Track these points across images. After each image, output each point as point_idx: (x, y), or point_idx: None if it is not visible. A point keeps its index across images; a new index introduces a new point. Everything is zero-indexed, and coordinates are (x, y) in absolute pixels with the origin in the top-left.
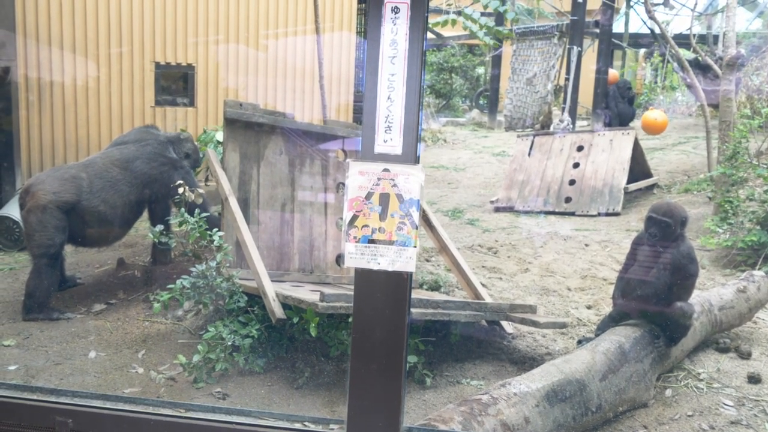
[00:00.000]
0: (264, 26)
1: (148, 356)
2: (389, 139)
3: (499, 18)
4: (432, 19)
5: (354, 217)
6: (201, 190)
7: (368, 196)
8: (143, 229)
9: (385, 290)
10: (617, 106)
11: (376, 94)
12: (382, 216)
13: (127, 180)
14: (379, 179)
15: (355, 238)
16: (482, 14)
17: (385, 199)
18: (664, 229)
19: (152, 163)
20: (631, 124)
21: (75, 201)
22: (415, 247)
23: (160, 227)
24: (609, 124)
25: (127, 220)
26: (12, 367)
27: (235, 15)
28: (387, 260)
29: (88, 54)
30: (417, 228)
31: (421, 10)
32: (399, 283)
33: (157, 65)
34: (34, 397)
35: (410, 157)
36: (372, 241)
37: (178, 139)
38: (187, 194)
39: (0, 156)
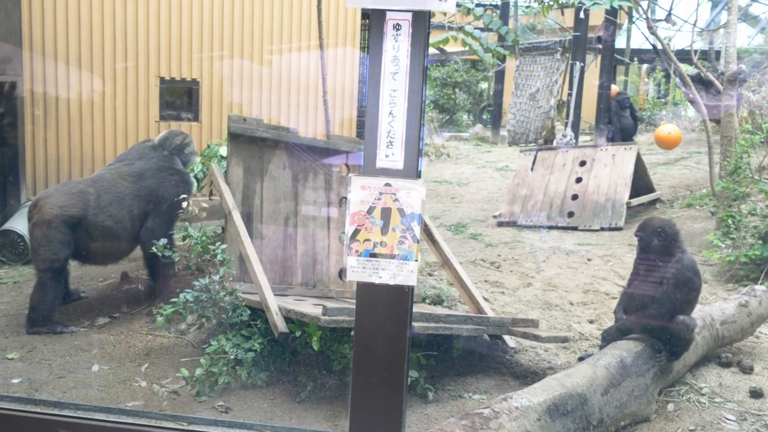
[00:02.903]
0: (268, 42)
1: (151, 370)
2: (391, 154)
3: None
4: (433, 38)
5: (356, 231)
6: (205, 204)
7: (370, 210)
8: None
9: (386, 304)
10: (620, 120)
11: (378, 109)
12: (384, 230)
13: (134, 194)
14: (380, 194)
15: (356, 252)
16: (483, 30)
17: (386, 213)
18: (641, 242)
19: (161, 173)
20: (636, 138)
21: (81, 216)
22: (416, 261)
23: (164, 241)
24: (612, 139)
25: (134, 235)
26: (15, 380)
27: (240, 30)
28: (388, 274)
29: (94, 69)
30: (418, 242)
31: (422, 27)
32: (400, 296)
33: (162, 80)
34: (38, 410)
35: (412, 171)
36: (374, 255)
37: (172, 142)
38: (191, 209)
39: (5, 170)
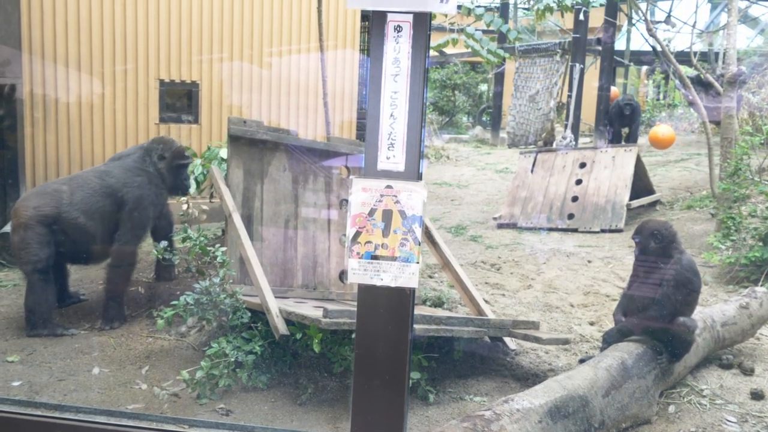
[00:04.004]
0: (268, 44)
1: (151, 372)
2: (392, 156)
3: (502, 35)
4: (434, 40)
5: (357, 234)
6: (205, 207)
7: (371, 212)
8: (147, 245)
9: (388, 306)
10: (621, 124)
11: (379, 111)
12: (385, 232)
13: (101, 191)
14: (382, 196)
15: (358, 254)
16: (484, 32)
17: (387, 215)
18: (638, 245)
19: (126, 173)
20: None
21: (55, 214)
22: (417, 263)
23: (164, 243)
24: (612, 142)
25: (109, 232)
26: (16, 383)
27: (240, 33)
28: (390, 276)
29: (93, 71)
30: (419, 244)
31: (423, 29)
32: (402, 298)
33: (162, 82)
34: (38, 413)
35: (413, 173)
36: (375, 257)
37: (153, 146)
38: (191, 211)
39: (5, 173)
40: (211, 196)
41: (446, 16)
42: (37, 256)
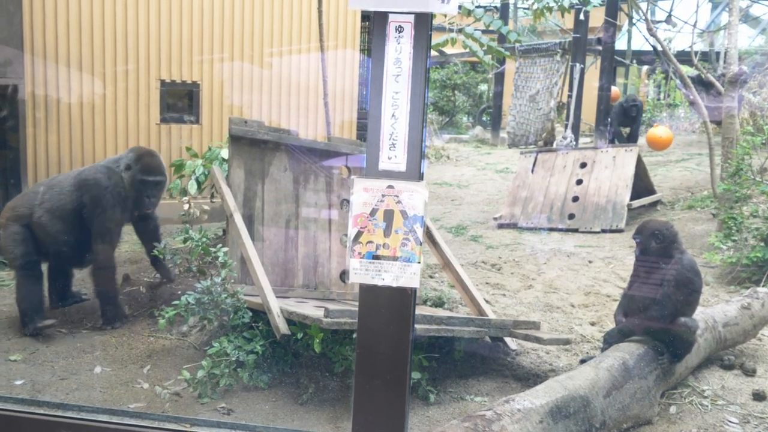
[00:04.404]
0: (268, 44)
1: (153, 372)
2: (393, 156)
3: (502, 35)
4: (433, 40)
5: (358, 234)
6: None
7: (373, 212)
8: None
9: (389, 306)
10: (623, 124)
11: (380, 112)
12: (387, 232)
13: (69, 191)
14: (383, 196)
15: (359, 254)
16: (483, 32)
17: (389, 215)
18: (639, 245)
19: (91, 174)
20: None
21: (28, 214)
22: (419, 263)
23: (164, 242)
24: (612, 142)
25: (80, 233)
26: (18, 382)
27: (240, 33)
28: (391, 276)
29: (95, 72)
30: (421, 244)
31: (424, 29)
32: (403, 298)
33: (163, 83)
34: (41, 411)
35: (414, 173)
36: (376, 257)
37: (126, 153)
38: (192, 210)
39: (7, 173)
40: (212, 196)
41: (446, 16)
42: (14, 254)
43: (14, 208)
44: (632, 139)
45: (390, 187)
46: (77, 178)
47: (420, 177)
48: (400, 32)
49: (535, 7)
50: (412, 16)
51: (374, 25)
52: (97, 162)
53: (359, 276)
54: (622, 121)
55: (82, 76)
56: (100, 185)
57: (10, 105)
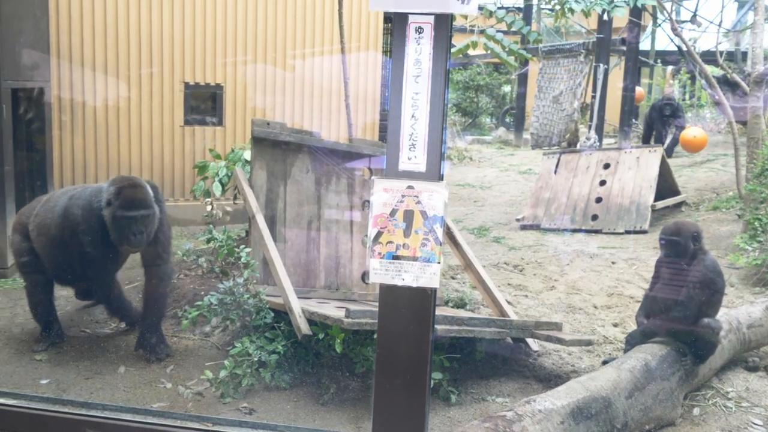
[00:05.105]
0: (291, 46)
1: (176, 371)
2: (413, 156)
3: (524, 37)
4: (455, 42)
5: (379, 234)
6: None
7: (393, 212)
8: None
9: (409, 306)
10: (663, 126)
11: (400, 112)
12: (407, 232)
13: (57, 215)
14: (403, 196)
15: (379, 254)
16: (506, 33)
17: (409, 215)
18: (676, 247)
19: (68, 206)
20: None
21: (27, 223)
22: (439, 263)
23: (189, 245)
24: (646, 142)
25: (62, 256)
26: (44, 381)
27: (263, 35)
28: (411, 276)
29: (119, 75)
30: (441, 244)
31: (444, 30)
32: (423, 299)
33: (187, 85)
34: (66, 410)
35: (434, 174)
36: (396, 258)
37: (108, 186)
38: (214, 212)
39: (34, 175)
40: (235, 198)
41: (467, 17)
42: (19, 262)
43: (20, 215)
44: (672, 141)
45: (410, 187)
46: (65, 204)
47: (440, 177)
48: (420, 33)
49: (557, 8)
50: (432, 17)
51: (394, 25)
52: (89, 186)
53: (379, 276)
54: (660, 122)
55: (107, 79)
56: (77, 222)
57: (36, 108)
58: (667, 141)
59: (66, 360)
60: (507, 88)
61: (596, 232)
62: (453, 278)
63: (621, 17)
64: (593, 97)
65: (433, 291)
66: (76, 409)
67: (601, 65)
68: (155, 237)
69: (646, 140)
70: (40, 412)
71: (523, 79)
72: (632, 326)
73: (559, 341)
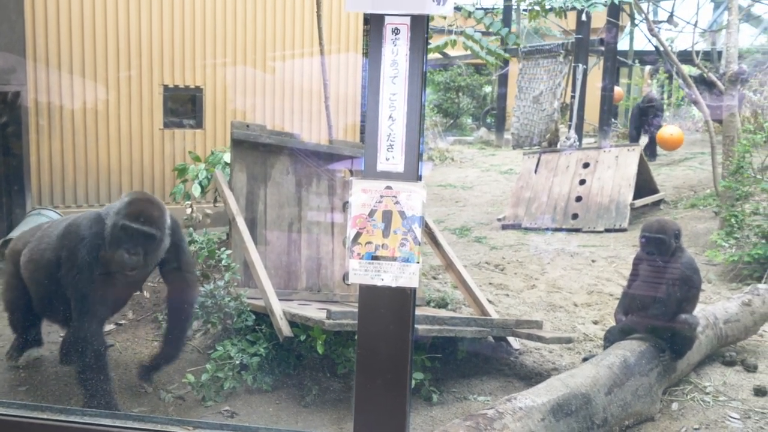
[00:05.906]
0: (271, 48)
1: (157, 376)
2: (391, 157)
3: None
4: (435, 41)
5: (357, 234)
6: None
7: (371, 213)
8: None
9: (389, 306)
10: (647, 126)
11: (377, 113)
12: (385, 233)
13: (54, 240)
14: (381, 197)
15: (358, 254)
16: (484, 34)
17: (387, 216)
18: (660, 245)
19: (71, 223)
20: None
21: (21, 251)
22: (418, 263)
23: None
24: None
25: (52, 292)
26: (22, 388)
27: (243, 38)
28: (390, 276)
29: (97, 77)
30: (419, 244)
31: (421, 31)
32: (403, 298)
33: (166, 88)
34: (44, 416)
35: (412, 174)
36: (375, 258)
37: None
38: (194, 215)
39: (10, 179)
40: (215, 201)
41: (445, 18)
42: (4, 296)
43: (17, 240)
44: (651, 140)
45: (388, 187)
46: (65, 226)
47: (418, 177)
48: (396, 34)
49: (535, 7)
50: (408, 18)
51: (371, 27)
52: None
53: (359, 276)
54: (641, 122)
55: (85, 82)
56: (78, 235)
57: (12, 111)
58: (646, 141)
59: (44, 366)
60: (488, 89)
61: (576, 230)
62: (434, 278)
63: (600, 12)
64: (573, 97)
65: (413, 291)
66: (55, 414)
67: (580, 65)
68: (182, 285)
69: (634, 140)
70: (18, 418)
71: (503, 80)
72: (612, 323)
73: (540, 339)
